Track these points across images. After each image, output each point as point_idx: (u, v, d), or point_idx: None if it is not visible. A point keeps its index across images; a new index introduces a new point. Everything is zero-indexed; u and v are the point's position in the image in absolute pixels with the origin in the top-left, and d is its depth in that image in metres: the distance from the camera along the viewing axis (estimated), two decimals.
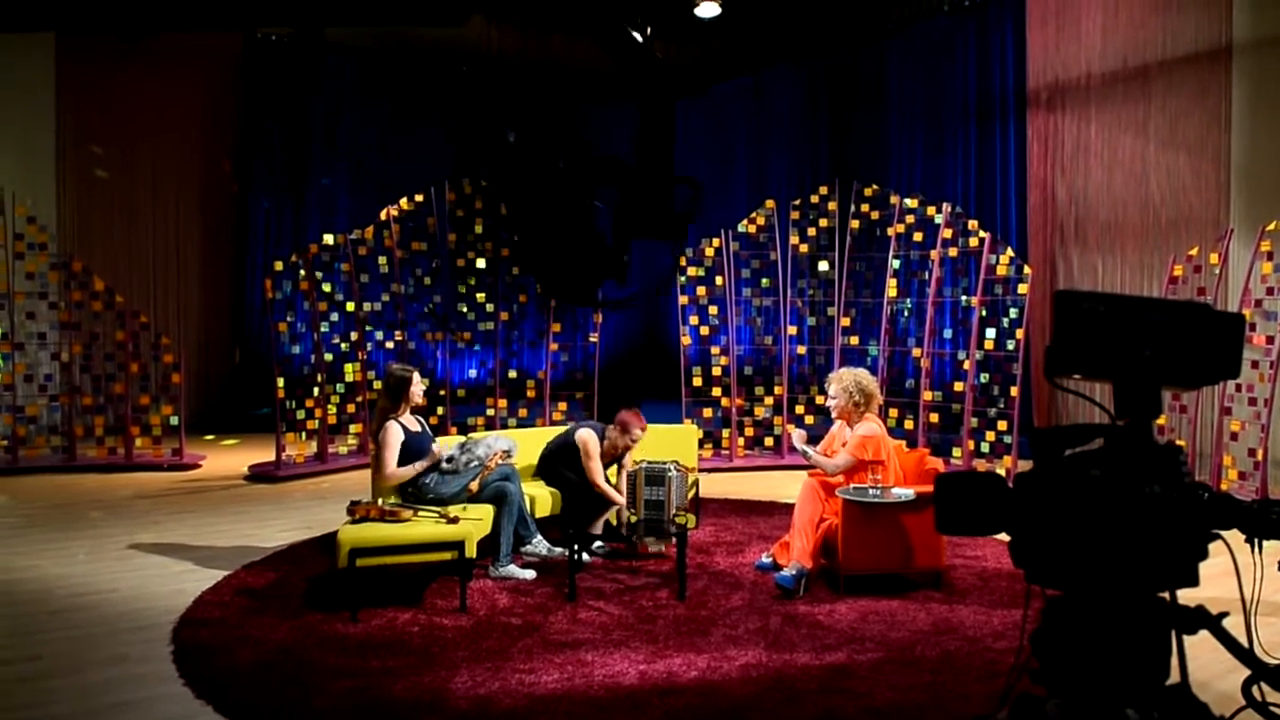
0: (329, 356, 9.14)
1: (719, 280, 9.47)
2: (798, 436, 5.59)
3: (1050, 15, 9.69)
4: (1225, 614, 1.68)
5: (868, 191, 9.53)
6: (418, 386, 5.62)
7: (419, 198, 9.67)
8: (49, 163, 10.53)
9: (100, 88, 10.78)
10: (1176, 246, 8.40)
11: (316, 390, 8.96)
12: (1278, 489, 7.48)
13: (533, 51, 13.31)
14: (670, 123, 3.08)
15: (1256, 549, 1.78)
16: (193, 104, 11.50)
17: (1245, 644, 1.75)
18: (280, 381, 8.61)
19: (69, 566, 5.72)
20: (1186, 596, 1.67)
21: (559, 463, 5.96)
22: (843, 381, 5.51)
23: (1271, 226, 7.38)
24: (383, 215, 9.62)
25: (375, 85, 12.23)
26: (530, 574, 5.37)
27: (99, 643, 4.47)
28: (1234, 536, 1.74)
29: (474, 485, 5.44)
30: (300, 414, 8.83)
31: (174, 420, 9.16)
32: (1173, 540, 1.62)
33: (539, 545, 5.66)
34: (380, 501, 5.21)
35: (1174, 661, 1.75)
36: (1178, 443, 7.50)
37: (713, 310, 9.47)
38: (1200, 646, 1.86)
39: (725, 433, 9.26)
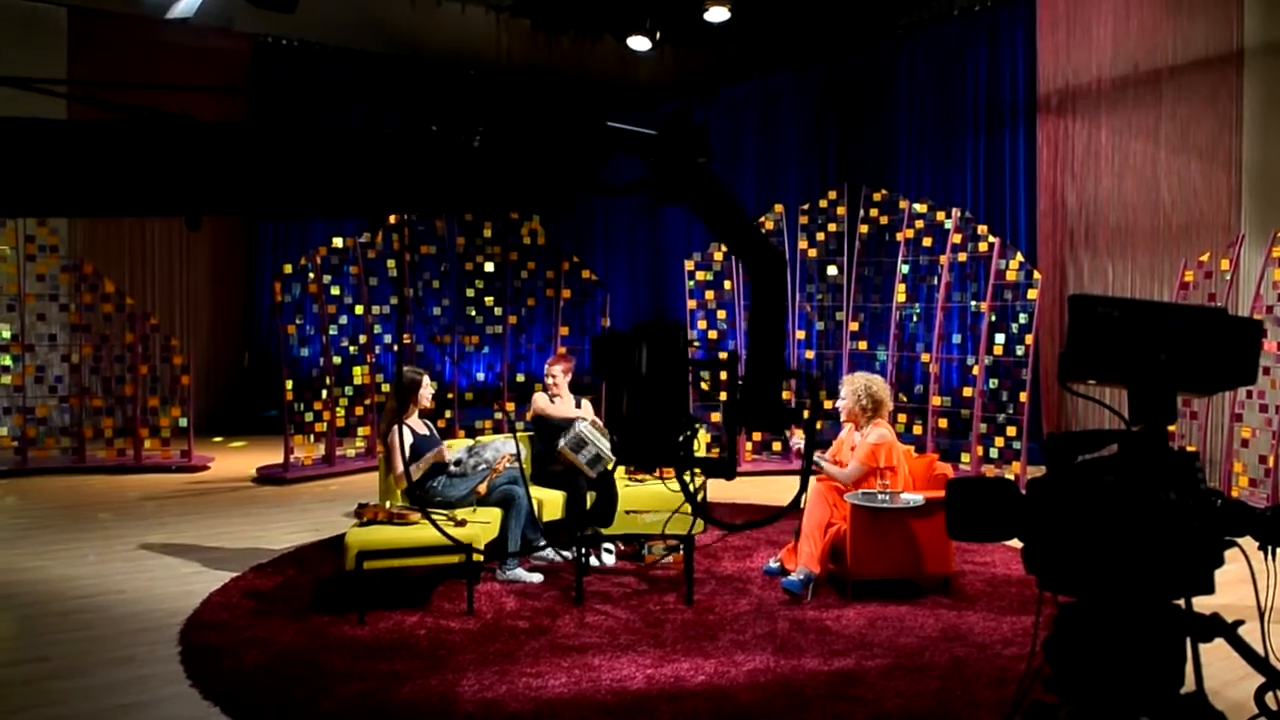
0: (337, 359, 9.16)
1: (727, 285, 9.47)
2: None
3: (1061, 20, 9.66)
4: (1241, 622, 1.67)
5: (877, 196, 9.51)
6: (426, 390, 5.66)
7: None
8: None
9: (111, 90, 10.81)
10: (1187, 252, 8.36)
11: (325, 393, 8.98)
12: None
13: (542, 56, 13.34)
14: (782, 315, 3.07)
15: (1270, 556, 1.76)
16: (203, 108, 11.53)
17: (1260, 651, 1.74)
18: (289, 384, 8.63)
19: (77, 568, 5.73)
20: (1201, 604, 1.66)
21: (550, 458, 6.03)
22: (854, 384, 5.51)
23: None
24: (392, 219, 9.63)
25: (383, 89, 12.26)
26: (538, 577, 5.37)
27: (106, 644, 4.48)
28: (1248, 544, 1.72)
29: (482, 488, 5.44)
30: (309, 416, 8.85)
31: (183, 422, 9.19)
32: (1188, 547, 1.61)
33: (546, 550, 5.66)
34: (388, 504, 5.21)
35: (1189, 669, 1.73)
36: (1189, 449, 7.48)
37: (721, 315, 9.47)
38: (1212, 654, 1.85)
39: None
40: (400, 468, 5.32)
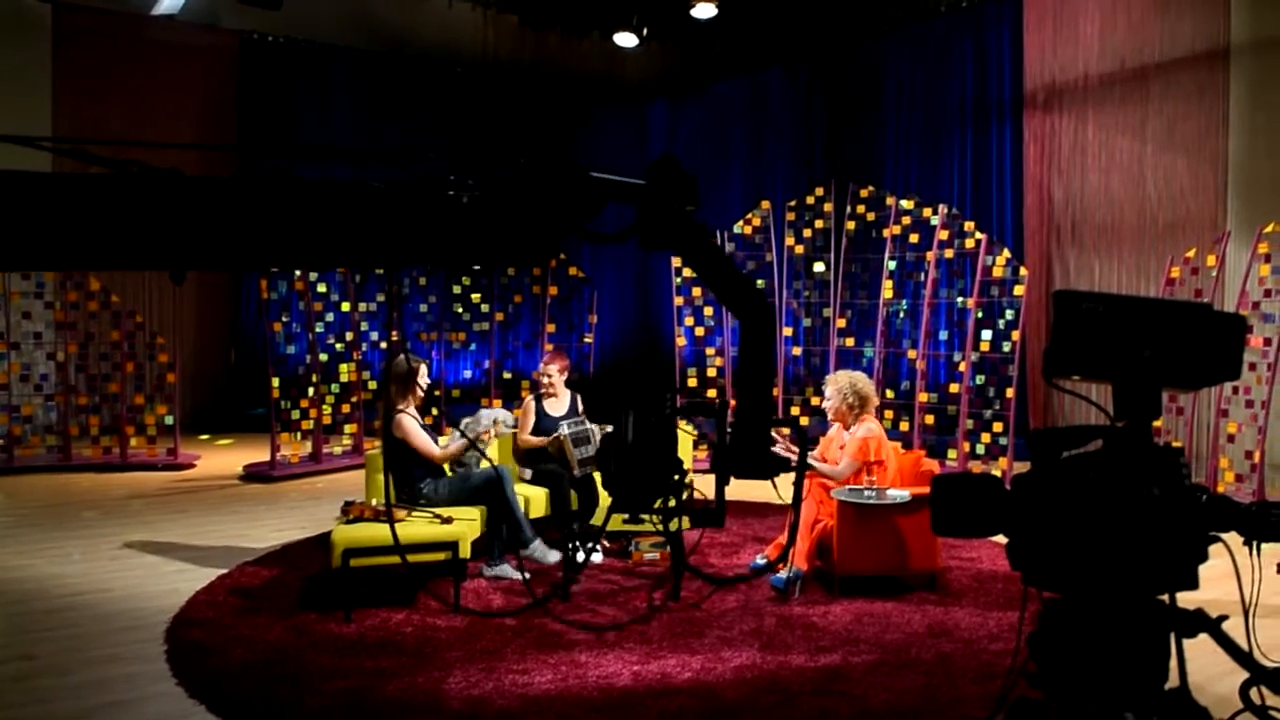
0: (324, 357, 9.13)
1: None
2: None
3: (1048, 16, 9.69)
4: (1225, 617, 1.67)
5: (864, 193, 9.52)
6: (424, 379, 5.58)
7: None
8: (44, 160, 10.48)
9: (96, 85, 10.75)
10: (1174, 248, 8.41)
11: (311, 390, 8.94)
12: (1275, 491, 7.49)
13: (529, 53, 13.30)
14: (771, 364, 3.12)
15: (1255, 552, 1.77)
16: (189, 102, 11.47)
17: (1244, 647, 1.75)
18: (275, 381, 8.60)
19: (63, 566, 5.69)
20: (1185, 599, 1.66)
21: (536, 457, 6.03)
22: (838, 383, 5.52)
23: (1269, 229, 7.38)
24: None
25: (371, 87, 12.22)
26: (524, 574, 5.35)
27: (92, 642, 4.45)
28: (1232, 539, 1.73)
29: (488, 451, 5.50)
30: (295, 414, 8.81)
31: (169, 420, 9.14)
32: (1172, 543, 1.61)
33: (535, 549, 5.54)
34: (375, 502, 5.19)
35: (1173, 664, 1.73)
36: (1175, 445, 7.51)
37: (708, 311, 9.47)
38: (1197, 649, 1.85)
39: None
40: (434, 448, 5.24)
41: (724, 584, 4.15)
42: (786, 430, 5.58)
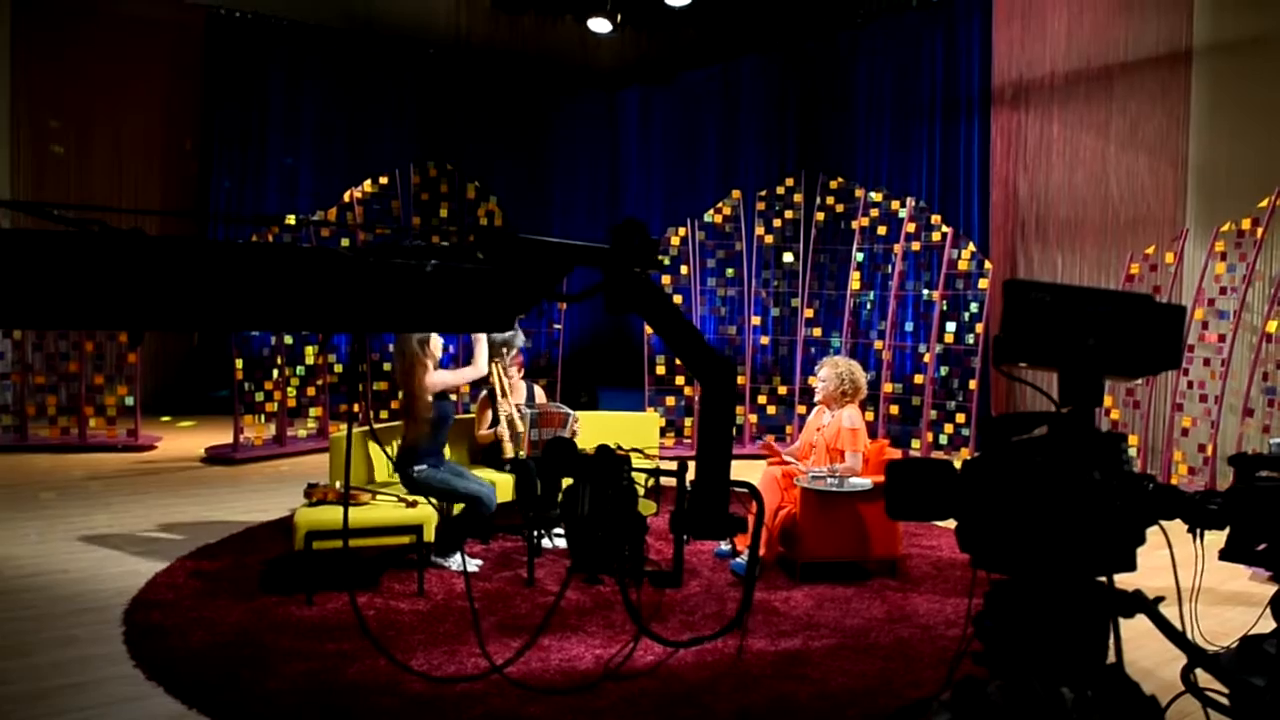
0: (289, 339, 9.05)
1: (684, 269, 9.49)
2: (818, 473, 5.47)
3: (1016, 14, 9.79)
4: (1161, 598, 1.72)
5: (833, 184, 9.60)
6: (436, 341, 5.41)
7: (383, 180, 9.59)
8: (3, 137, 10.32)
9: (58, 61, 10.56)
10: (1134, 245, 8.55)
11: (276, 373, 8.88)
12: (1226, 484, 7.65)
13: (502, 35, 13.22)
14: (731, 423, 3.20)
15: (1198, 539, 1.83)
16: (153, 80, 11.31)
17: (1185, 633, 1.80)
18: (239, 363, 8.53)
19: (19, 547, 5.63)
20: (1125, 581, 1.71)
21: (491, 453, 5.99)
22: (837, 368, 5.62)
23: (1226, 227, 7.53)
24: (346, 197, 9.53)
25: (340, 65, 12.10)
26: (477, 563, 5.34)
27: (49, 624, 4.41)
28: (1177, 527, 1.78)
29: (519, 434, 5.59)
30: (259, 396, 8.74)
31: (129, 401, 9.03)
32: (1112, 525, 1.66)
33: (454, 560, 5.29)
34: (338, 484, 5.18)
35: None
36: (1131, 438, 7.63)
37: (677, 299, 9.50)
38: (1145, 637, 1.91)
39: (688, 421, 9.29)
40: (459, 374, 5.49)
41: (684, 645, 4.18)
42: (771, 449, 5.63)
